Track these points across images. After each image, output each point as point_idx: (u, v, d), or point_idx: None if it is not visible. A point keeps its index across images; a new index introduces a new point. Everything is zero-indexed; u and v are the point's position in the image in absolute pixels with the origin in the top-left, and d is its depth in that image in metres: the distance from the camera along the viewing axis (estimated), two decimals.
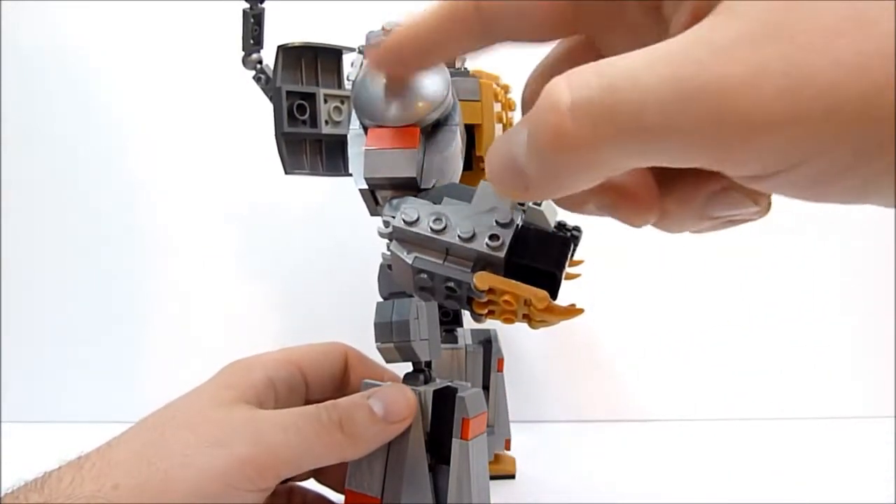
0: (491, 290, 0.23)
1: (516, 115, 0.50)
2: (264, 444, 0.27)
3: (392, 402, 0.32)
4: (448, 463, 0.37)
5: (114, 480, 0.25)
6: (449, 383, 0.43)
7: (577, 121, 0.14)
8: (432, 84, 0.25)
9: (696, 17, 0.15)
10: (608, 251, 0.73)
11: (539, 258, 0.24)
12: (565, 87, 0.14)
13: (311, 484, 0.39)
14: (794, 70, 0.13)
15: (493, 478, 0.43)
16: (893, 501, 0.54)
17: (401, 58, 0.21)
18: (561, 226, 0.50)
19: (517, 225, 0.24)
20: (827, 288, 0.79)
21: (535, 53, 0.77)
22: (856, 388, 0.78)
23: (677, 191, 0.19)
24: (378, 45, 0.22)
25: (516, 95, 0.50)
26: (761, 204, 0.18)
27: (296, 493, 0.38)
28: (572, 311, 0.24)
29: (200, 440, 0.27)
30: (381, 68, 0.24)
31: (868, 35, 0.12)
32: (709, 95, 0.13)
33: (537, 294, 0.23)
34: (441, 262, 0.24)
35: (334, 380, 0.38)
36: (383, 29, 0.47)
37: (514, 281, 0.23)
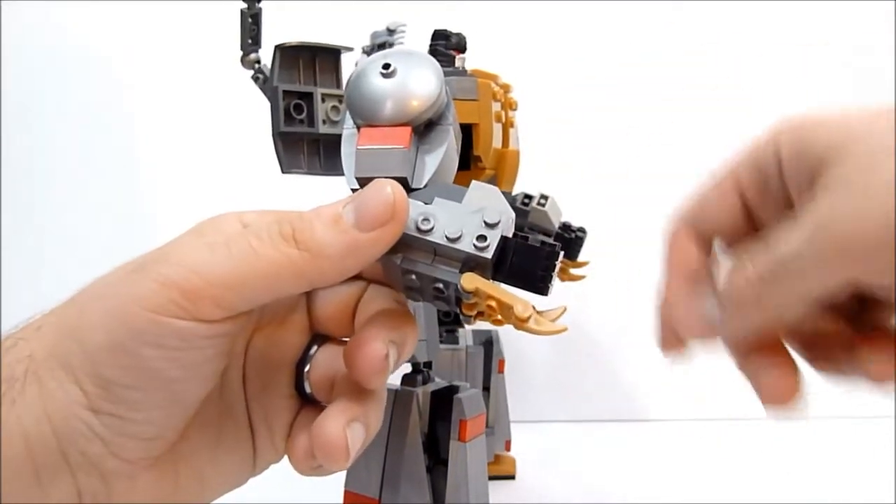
0: (476, 293, 0.23)
1: (517, 115, 0.49)
2: (188, 264, 0.22)
3: (363, 202, 0.23)
4: (446, 464, 0.36)
5: (39, 323, 0.24)
6: (449, 384, 0.43)
7: (765, 286, 0.22)
8: (425, 82, 0.25)
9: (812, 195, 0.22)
10: (610, 252, 0.73)
11: (522, 276, 0.23)
12: (749, 267, 0.22)
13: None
14: (879, 212, 0.19)
15: (493, 478, 0.43)
16: (893, 501, 0.54)
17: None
18: (566, 227, 0.50)
19: (504, 237, 0.23)
20: None
21: (534, 54, 0.77)
22: (856, 388, 0.78)
23: (825, 360, 0.27)
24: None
25: (517, 95, 0.50)
26: (881, 385, 0.25)
27: None
28: (553, 330, 0.23)
29: (118, 271, 0.24)
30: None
31: None
32: (831, 236, 0.20)
33: (521, 304, 0.22)
34: (429, 262, 0.24)
35: None
36: (387, 29, 0.47)
37: (499, 287, 0.23)
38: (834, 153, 0.21)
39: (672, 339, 0.28)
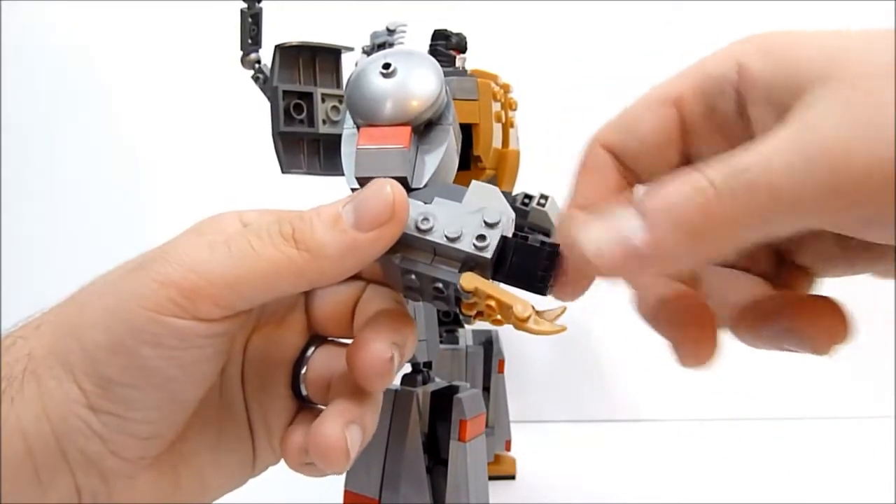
0: (476, 292, 0.23)
1: (517, 115, 0.49)
2: (187, 263, 0.22)
3: (362, 202, 0.23)
4: (446, 464, 0.36)
5: (38, 322, 0.24)
6: (449, 384, 0.43)
7: (722, 199, 0.17)
8: (425, 82, 0.25)
9: (781, 116, 0.18)
10: None
11: (522, 276, 0.23)
12: (701, 176, 0.18)
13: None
14: (871, 134, 0.16)
15: (493, 478, 0.43)
16: (893, 501, 0.54)
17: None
18: None
19: (504, 237, 0.23)
20: (826, 287, 0.79)
21: (535, 54, 0.76)
22: (856, 388, 0.78)
23: (750, 320, 0.23)
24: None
25: (517, 95, 0.50)
26: (820, 351, 0.21)
27: None
28: (553, 330, 0.23)
29: (118, 269, 0.24)
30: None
31: None
32: (820, 157, 0.16)
33: (520, 303, 0.22)
34: (429, 262, 0.24)
35: None
36: (387, 29, 0.47)
37: (499, 286, 0.23)
38: (827, 70, 0.18)
39: (572, 279, 0.23)
